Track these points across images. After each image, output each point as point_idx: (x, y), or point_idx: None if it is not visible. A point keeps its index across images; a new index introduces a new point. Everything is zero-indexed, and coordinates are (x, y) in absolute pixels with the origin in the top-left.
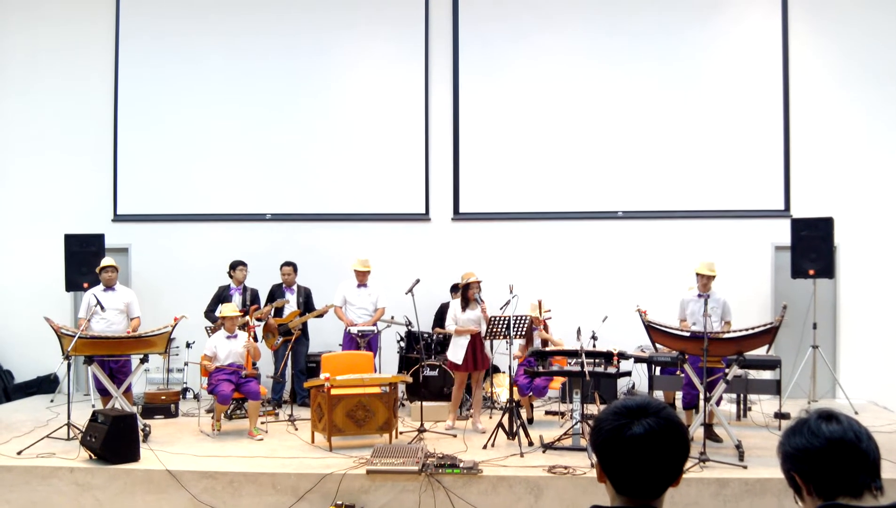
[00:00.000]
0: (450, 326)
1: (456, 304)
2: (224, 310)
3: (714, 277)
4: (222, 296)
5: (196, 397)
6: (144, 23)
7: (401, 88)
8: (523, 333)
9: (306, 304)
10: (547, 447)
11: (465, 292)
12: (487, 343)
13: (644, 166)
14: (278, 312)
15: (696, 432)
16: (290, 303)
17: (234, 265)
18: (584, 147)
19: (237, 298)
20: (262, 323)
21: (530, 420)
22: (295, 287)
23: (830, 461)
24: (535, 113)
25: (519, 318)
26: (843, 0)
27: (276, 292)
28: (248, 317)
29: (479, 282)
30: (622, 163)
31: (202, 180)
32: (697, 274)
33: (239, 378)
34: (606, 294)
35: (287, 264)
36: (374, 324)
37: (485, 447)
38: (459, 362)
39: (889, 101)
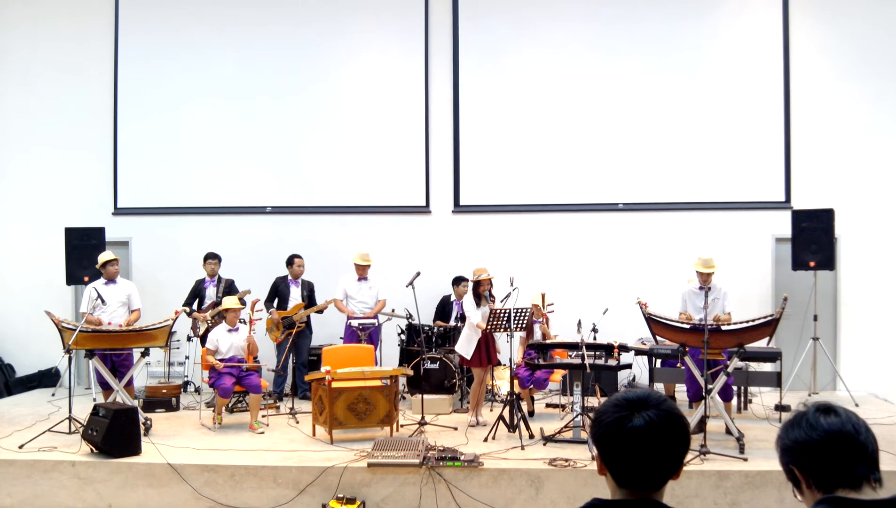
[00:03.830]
0: (475, 317)
1: (469, 298)
2: (225, 302)
3: (713, 273)
4: (198, 290)
5: (197, 390)
6: (143, 15)
7: (401, 80)
8: (524, 325)
9: (310, 298)
10: (548, 439)
11: (476, 289)
12: (498, 336)
13: (645, 158)
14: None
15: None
16: (252, 295)
17: (204, 259)
18: (584, 139)
19: (211, 290)
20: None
21: (531, 413)
22: (300, 281)
23: (829, 453)
24: (535, 104)
25: (520, 311)
26: None
27: (280, 286)
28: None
29: (489, 279)
30: (623, 155)
31: (202, 173)
32: (696, 272)
33: (240, 372)
34: (607, 286)
35: (298, 256)
36: (375, 317)
37: (486, 439)
38: (469, 356)
39: (890, 92)
